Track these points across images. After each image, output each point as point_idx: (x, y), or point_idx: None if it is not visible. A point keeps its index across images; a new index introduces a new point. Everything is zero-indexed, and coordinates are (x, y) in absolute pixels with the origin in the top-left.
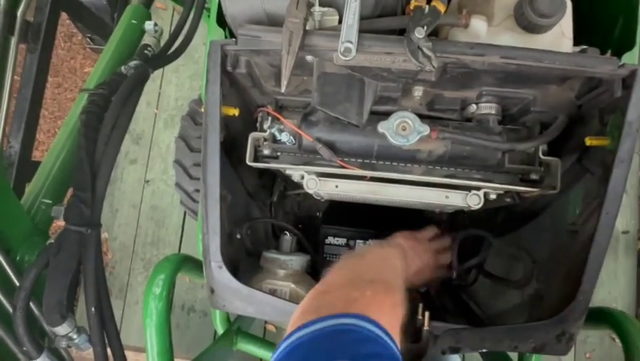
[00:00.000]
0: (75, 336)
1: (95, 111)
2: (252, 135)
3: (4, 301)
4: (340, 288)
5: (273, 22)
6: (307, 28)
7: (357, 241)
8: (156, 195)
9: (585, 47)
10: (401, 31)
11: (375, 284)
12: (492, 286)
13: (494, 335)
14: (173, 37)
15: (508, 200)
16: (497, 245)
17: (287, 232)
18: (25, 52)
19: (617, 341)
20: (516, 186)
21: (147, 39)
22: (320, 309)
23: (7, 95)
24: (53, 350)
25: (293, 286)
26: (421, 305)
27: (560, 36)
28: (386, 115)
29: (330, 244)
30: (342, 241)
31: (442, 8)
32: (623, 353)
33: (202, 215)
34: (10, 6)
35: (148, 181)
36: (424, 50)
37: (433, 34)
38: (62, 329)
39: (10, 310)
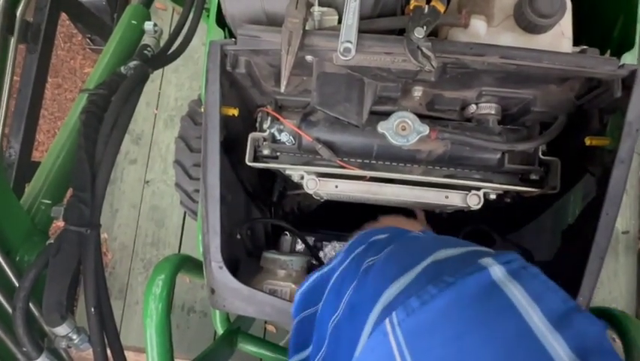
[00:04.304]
0: (75, 337)
1: (95, 111)
2: (252, 135)
3: (4, 302)
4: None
5: (273, 22)
6: (307, 28)
7: (324, 242)
8: (156, 196)
9: (585, 47)
10: (401, 31)
11: None
12: None
13: None
14: (173, 37)
15: (508, 200)
16: (498, 245)
17: (287, 233)
18: (25, 52)
19: (618, 341)
20: (516, 186)
21: (147, 39)
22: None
23: (6, 96)
24: (53, 350)
25: (293, 286)
26: None
27: (560, 36)
28: (386, 115)
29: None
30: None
31: (441, 8)
32: (624, 353)
33: (202, 215)
34: (10, 6)
35: (148, 181)
36: (424, 50)
37: (433, 34)
38: (62, 330)
39: (10, 310)
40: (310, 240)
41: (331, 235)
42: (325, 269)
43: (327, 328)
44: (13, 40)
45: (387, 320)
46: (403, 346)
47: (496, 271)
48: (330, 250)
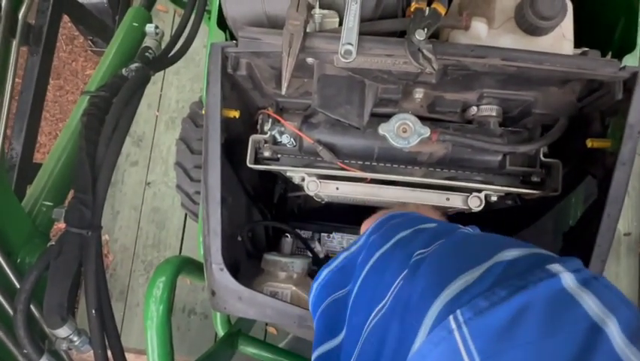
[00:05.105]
0: (75, 338)
1: (96, 114)
2: (253, 137)
3: (5, 304)
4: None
5: (274, 24)
6: (308, 30)
7: (322, 234)
8: (157, 198)
9: (586, 49)
10: (402, 34)
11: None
12: None
13: None
14: (174, 39)
15: (510, 202)
16: None
17: (287, 235)
18: (27, 54)
19: None
20: (517, 188)
21: (148, 41)
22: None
23: (8, 98)
24: (54, 352)
25: (294, 288)
26: None
27: (561, 38)
28: (387, 117)
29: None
30: (308, 234)
31: (442, 10)
32: None
33: (203, 217)
34: (12, 8)
35: (149, 183)
36: (425, 52)
37: (434, 36)
38: (63, 332)
39: (11, 312)
40: (309, 233)
41: (331, 226)
42: (352, 249)
43: (366, 315)
44: (15, 43)
45: (451, 317)
46: (470, 344)
47: (567, 278)
48: (336, 245)
